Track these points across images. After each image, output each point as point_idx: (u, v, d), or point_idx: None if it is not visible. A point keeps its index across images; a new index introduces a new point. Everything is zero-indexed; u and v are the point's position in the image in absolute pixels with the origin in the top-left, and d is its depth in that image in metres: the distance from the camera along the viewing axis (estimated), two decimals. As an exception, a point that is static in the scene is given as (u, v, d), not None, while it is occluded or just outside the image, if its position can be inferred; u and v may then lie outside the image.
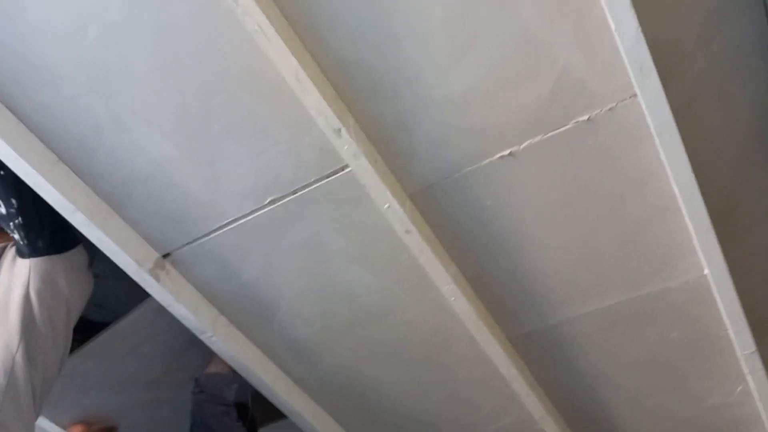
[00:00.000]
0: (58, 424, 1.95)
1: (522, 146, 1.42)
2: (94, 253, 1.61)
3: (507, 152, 1.43)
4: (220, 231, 1.55)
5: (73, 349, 1.74)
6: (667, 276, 1.66)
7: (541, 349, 1.84)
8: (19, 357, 1.32)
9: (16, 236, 1.52)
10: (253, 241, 1.57)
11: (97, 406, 1.97)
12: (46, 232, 1.49)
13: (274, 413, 2.09)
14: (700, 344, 1.83)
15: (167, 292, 1.57)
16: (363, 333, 1.80)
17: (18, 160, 1.31)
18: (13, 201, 1.49)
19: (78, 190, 1.41)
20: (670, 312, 1.74)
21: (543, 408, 1.90)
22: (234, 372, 1.82)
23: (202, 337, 1.68)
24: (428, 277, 1.61)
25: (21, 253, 1.52)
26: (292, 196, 1.49)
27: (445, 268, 1.57)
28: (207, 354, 1.88)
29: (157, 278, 1.55)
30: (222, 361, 1.79)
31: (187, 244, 1.57)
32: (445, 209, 1.53)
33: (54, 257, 1.52)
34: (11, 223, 1.51)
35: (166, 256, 1.59)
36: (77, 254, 1.58)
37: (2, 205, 1.49)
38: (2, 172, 1.39)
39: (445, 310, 1.70)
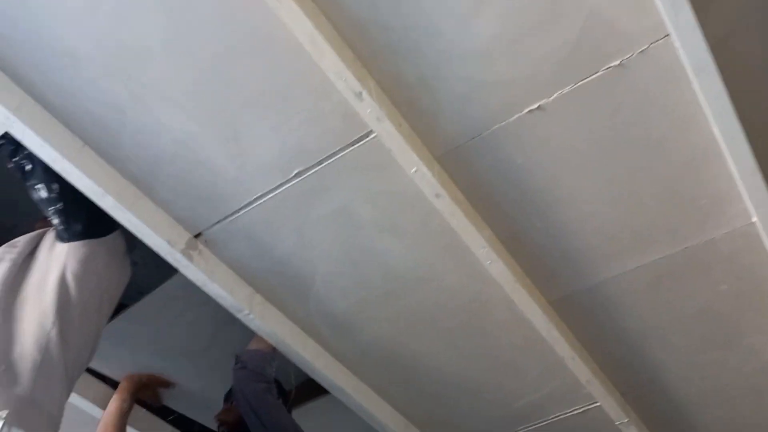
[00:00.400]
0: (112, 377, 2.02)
1: (551, 98, 1.37)
2: (133, 240, 1.62)
3: (536, 106, 1.38)
4: (249, 207, 1.54)
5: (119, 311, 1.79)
6: (712, 225, 1.59)
7: (583, 311, 1.79)
8: (53, 335, 1.34)
9: (56, 221, 1.54)
10: (282, 215, 1.56)
11: (147, 368, 2.00)
12: (84, 217, 1.50)
13: (317, 390, 2.11)
14: (752, 296, 1.75)
15: (200, 272, 1.57)
16: (400, 303, 1.78)
17: (43, 147, 1.32)
18: (54, 186, 1.51)
19: (106, 174, 1.41)
20: (718, 264, 1.67)
21: (589, 371, 1.85)
22: (275, 349, 1.82)
23: (239, 316, 1.68)
24: (462, 242, 1.57)
25: (60, 238, 1.54)
26: (317, 167, 1.47)
27: (478, 231, 1.53)
28: (250, 329, 1.89)
29: (189, 258, 1.55)
30: (263, 339, 1.79)
31: (218, 222, 1.56)
32: (475, 170, 1.49)
33: (91, 241, 1.54)
34: (51, 208, 1.53)
35: (197, 236, 1.59)
36: (115, 239, 1.59)
37: (44, 190, 1.52)
38: None
39: (481, 274, 1.66)
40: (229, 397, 2.02)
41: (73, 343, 1.40)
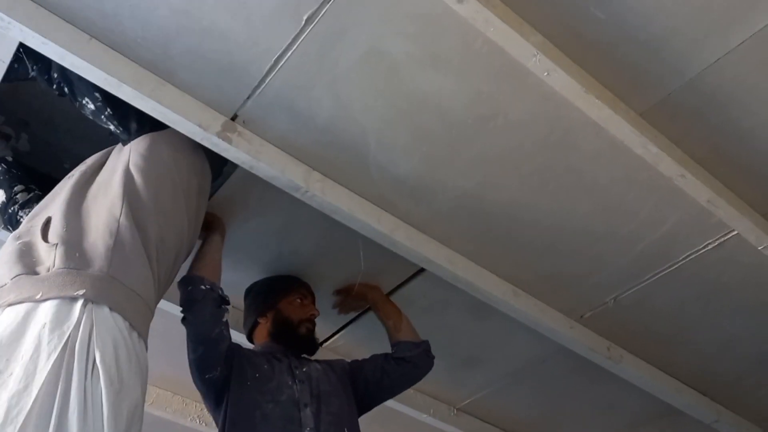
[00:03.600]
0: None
1: None
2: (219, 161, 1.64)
3: None
4: (273, 72, 1.43)
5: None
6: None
7: (685, 117, 1.49)
8: (123, 220, 1.33)
9: (111, 127, 1.56)
10: (310, 72, 1.43)
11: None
12: (135, 113, 1.49)
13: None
14: None
15: (244, 153, 1.50)
16: (469, 152, 1.60)
17: (46, 44, 1.30)
18: (97, 95, 1.52)
19: (118, 63, 1.37)
20: None
21: (708, 189, 1.56)
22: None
23: (297, 195, 1.60)
24: (510, 57, 1.35)
25: (122, 142, 1.55)
26: (327, 5, 1.31)
27: (521, 34, 1.30)
28: (317, 241, 1.85)
29: (228, 141, 1.48)
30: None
31: (248, 98, 1.48)
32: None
33: (151, 134, 1.53)
34: (102, 117, 1.55)
35: (234, 118, 1.51)
36: (177, 133, 1.55)
37: (90, 102, 1.53)
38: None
39: (548, 95, 1.43)
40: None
41: (153, 231, 1.38)
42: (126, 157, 1.49)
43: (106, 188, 1.42)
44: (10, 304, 1.15)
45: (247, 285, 2.00)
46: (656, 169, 1.54)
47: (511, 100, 1.48)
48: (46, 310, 1.15)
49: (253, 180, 1.62)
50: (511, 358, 2.35)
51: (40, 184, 1.77)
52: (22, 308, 1.15)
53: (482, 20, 1.27)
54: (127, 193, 1.39)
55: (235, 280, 1.95)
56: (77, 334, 1.14)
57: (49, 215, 1.34)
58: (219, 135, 1.47)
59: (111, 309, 1.21)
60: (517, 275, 1.89)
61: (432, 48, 1.39)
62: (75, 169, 1.53)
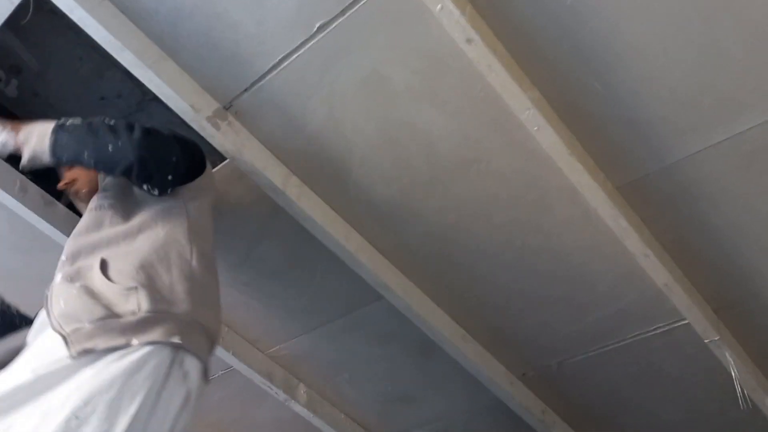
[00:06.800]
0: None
1: None
2: None
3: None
4: (275, 71, 1.45)
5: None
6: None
7: (658, 198, 1.54)
8: (195, 263, 1.32)
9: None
10: (310, 81, 1.46)
11: None
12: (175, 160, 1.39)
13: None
14: None
15: (230, 143, 1.51)
16: (447, 192, 1.63)
17: (60, -4, 1.30)
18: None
19: (126, 29, 1.38)
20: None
21: (666, 272, 1.60)
22: None
23: (273, 195, 1.60)
24: (507, 109, 1.39)
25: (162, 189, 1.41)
26: (341, 18, 1.35)
27: (521, 88, 1.34)
28: (283, 247, 1.81)
29: (216, 127, 1.49)
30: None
31: (245, 90, 1.49)
32: (515, 11, 1.29)
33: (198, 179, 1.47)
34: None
35: (227, 108, 1.52)
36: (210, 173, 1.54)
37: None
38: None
39: (533, 151, 1.47)
40: None
41: (214, 266, 1.40)
42: (180, 201, 1.42)
43: (161, 229, 1.36)
44: (104, 350, 1.11)
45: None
46: (622, 244, 1.58)
47: (496, 148, 1.52)
48: (142, 355, 1.12)
49: (237, 178, 1.63)
50: (446, 404, 2.35)
51: None
52: (116, 355, 1.11)
53: (486, 65, 1.31)
54: (194, 237, 1.38)
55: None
56: (163, 380, 1.13)
57: (102, 257, 1.28)
58: (209, 120, 1.48)
59: (195, 355, 1.20)
60: (469, 321, 1.91)
61: (432, 83, 1.43)
62: (96, 202, 1.44)
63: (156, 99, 1.54)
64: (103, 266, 1.26)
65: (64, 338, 1.11)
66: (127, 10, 1.37)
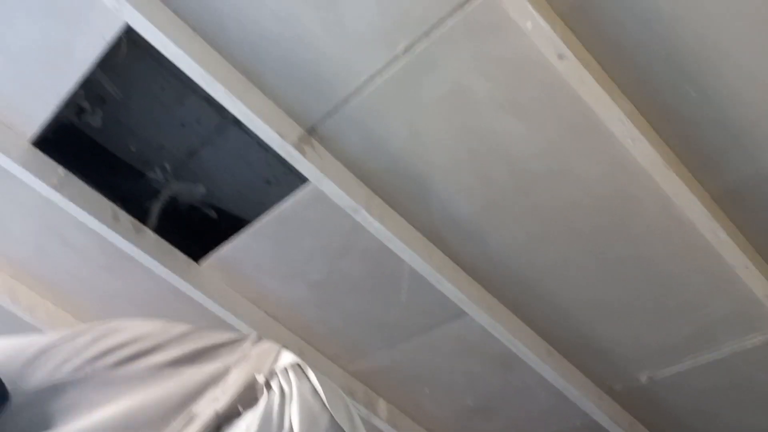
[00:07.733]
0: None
1: None
2: None
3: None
4: (358, 94, 1.45)
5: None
6: None
7: (759, 205, 1.48)
8: None
9: None
10: (393, 102, 1.45)
11: (273, 291, 1.96)
12: None
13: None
14: None
15: (314, 168, 1.52)
16: (529, 202, 1.60)
17: (156, 33, 1.33)
18: None
19: (215, 62, 1.40)
20: None
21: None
22: None
23: (356, 216, 1.60)
24: (596, 117, 1.36)
25: None
26: (425, 39, 1.34)
27: (614, 101, 1.31)
28: (364, 264, 1.81)
29: (302, 152, 1.50)
30: None
31: (328, 115, 1.50)
32: (606, 24, 1.26)
33: None
34: None
35: (311, 132, 1.53)
36: None
37: None
38: None
39: (623, 160, 1.44)
40: None
41: None
42: None
43: None
44: None
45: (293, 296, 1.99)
46: (719, 255, 1.52)
47: (581, 156, 1.48)
48: None
49: (318, 199, 1.64)
50: (527, 417, 2.31)
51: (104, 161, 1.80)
52: None
53: (578, 78, 1.28)
54: None
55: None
56: None
57: None
58: (295, 146, 1.49)
59: None
60: (553, 335, 1.87)
61: (514, 93, 1.40)
62: None
63: (234, 122, 1.57)
64: None
65: None
66: (214, 43, 1.40)
